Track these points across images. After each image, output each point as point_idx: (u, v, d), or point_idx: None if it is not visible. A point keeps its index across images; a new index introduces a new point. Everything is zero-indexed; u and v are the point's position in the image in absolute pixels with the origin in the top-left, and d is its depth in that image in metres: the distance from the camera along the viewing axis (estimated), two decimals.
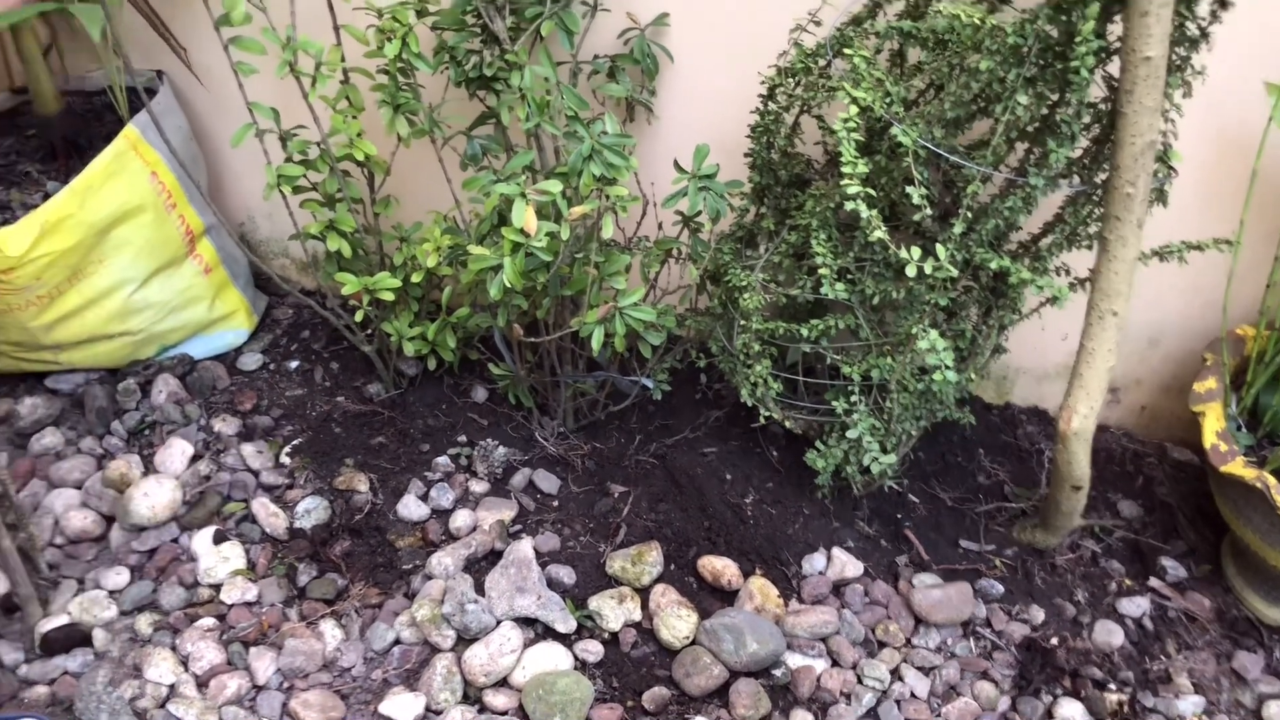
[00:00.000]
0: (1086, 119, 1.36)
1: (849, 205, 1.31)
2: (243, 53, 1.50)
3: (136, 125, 1.86)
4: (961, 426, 1.86)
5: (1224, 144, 1.62)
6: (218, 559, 1.69)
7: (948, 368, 1.39)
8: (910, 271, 1.29)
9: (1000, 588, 1.70)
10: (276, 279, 1.83)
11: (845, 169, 1.30)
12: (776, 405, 1.71)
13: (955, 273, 1.32)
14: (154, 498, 1.74)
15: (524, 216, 1.44)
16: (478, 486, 1.84)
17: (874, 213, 1.31)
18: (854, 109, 1.33)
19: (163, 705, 1.49)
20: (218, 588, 1.66)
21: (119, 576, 1.67)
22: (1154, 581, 1.74)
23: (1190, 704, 1.56)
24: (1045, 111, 1.37)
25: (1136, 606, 1.69)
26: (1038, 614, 1.67)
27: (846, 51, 1.37)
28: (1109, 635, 1.64)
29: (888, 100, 1.37)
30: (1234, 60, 1.48)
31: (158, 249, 1.95)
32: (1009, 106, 1.31)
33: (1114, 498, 1.88)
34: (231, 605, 1.64)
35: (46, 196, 1.77)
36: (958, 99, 1.35)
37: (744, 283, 1.59)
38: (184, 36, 1.96)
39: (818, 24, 1.52)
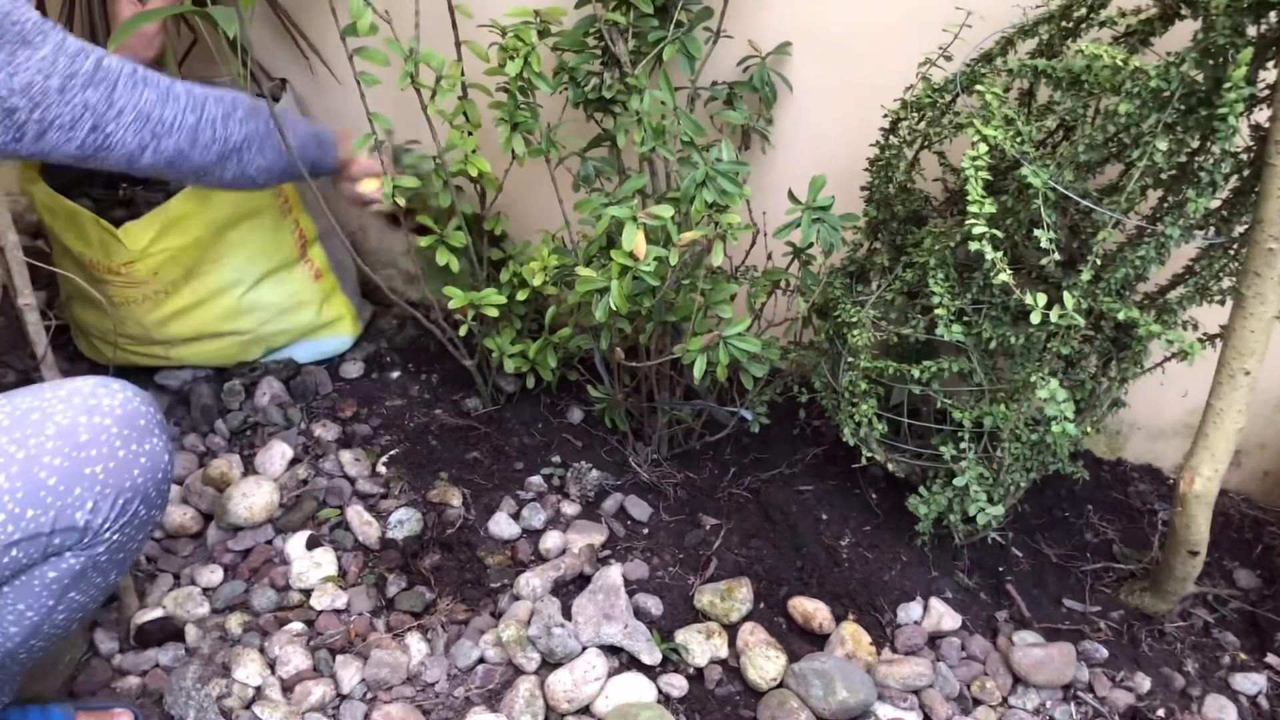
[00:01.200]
0: (1227, 168, 1.30)
1: (974, 246, 1.27)
2: (366, 63, 1.52)
3: None
4: (1071, 481, 1.80)
5: None
6: (310, 564, 1.70)
7: (1067, 419, 1.34)
8: (1035, 319, 1.24)
9: (1105, 652, 1.63)
10: (384, 288, 1.85)
11: (972, 208, 1.26)
12: (880, 446, 1.67)
13: (1082, 322, 1.27)
14: (252, 498, 1.76)
15: (634, 240, 1.43)
16: (569, 509, 1.83)
17: (999, 254, 1.27)
18: (983, 147, 1.29)
19: (248, 706, 1.50)
20: (308, 593, 1.67)
21: (213, 574, 1.70)
22: (1271, 658, 1.65)
23: None
24: (1184, 159, 1.32)
25: (1252, 683, 1.60)
26: (1143, 682, 1.59)
27: (978, 88, 1.34)
28: (1220, 711, 1.56)
29: (1018, 139, 1.33)
30: None
31: (271, 252, 1.98)
32: (1146, 152, 1.26)
33: (1230, 565, 1.79)
34: (320, 611, 1.64)
35: (169, 195, 1.81)
36: (1091, 141, 1.31)
37: (854, 318, 1.56)
38: (319, 42, 2.00)
39: (948, 59, 1.48)
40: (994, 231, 1.27)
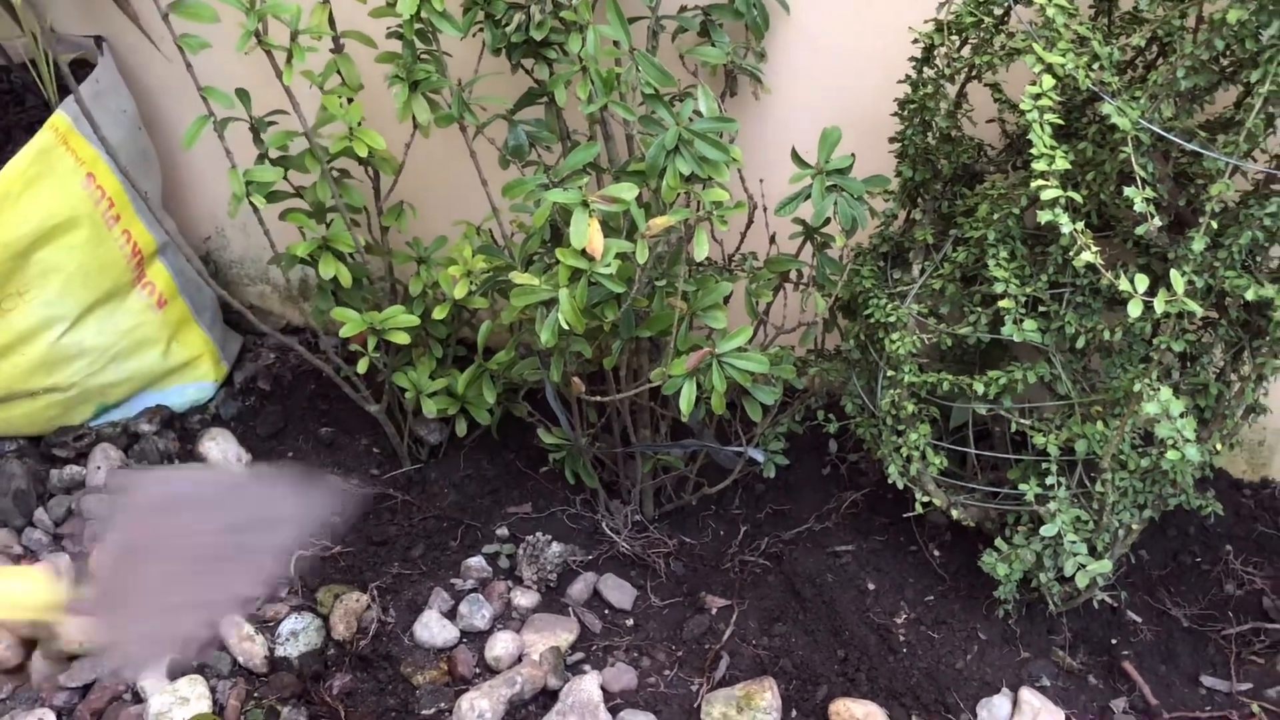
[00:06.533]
0: None
1: (1043, 215, 1.27)
2: (190, 21, 1.51)
3: (67, 113, 1.89)
4: (1201, 515, 1.80)
5: None
6: (173, 699, 1.68)
7: (1187, 439, 1.34)
8: (1134, 310, 1.24)
9: None
10: (248, 315, 1.83)
11: (1038, 164, 1.26)
12: (939, 487, 1.67)
13: (1196, 307, 1.27)
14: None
15: (586, 234, 1.42)
16: (524, 598, 1.82)
17: (1079, 225, 1.26)
18: (1047, 79, 1.29)
19: None
20: None
21: None
22: None
23: None
24: None
25: None
26: None
27: None
28: None
29: (1094, 65, 1.33)
30: None
31: (95, 276, 1.97)
32: (1269, 73, 1.26)
33: None
34: None
35: None
36: (1195, 62, 1.31)
37: (891, 317, 1.55)
38: None
39: None
40: (1070, 194, 1.27)
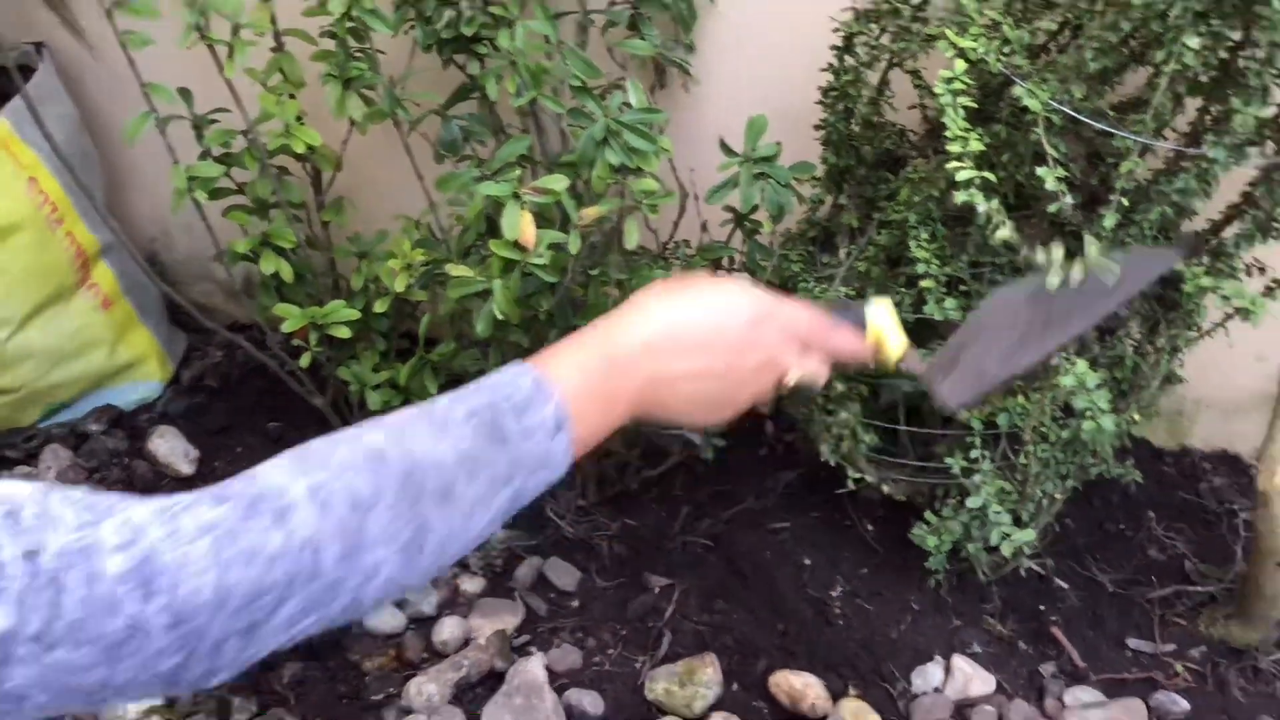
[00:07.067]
0: None
1: (959, 196, 1.27)
2: (133, 18, 1.50)
3: (7, 117, 1.86)
4: (1124, 484, 1.81)
5: None
6: None
7: (1101, 411, 1.35)
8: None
9: (1184, 703, 1.64)
10: (194, 312, 1.82)
11: (952, 146, 1.27)
12: (870, 464, 1.67)
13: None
14: None
15: (519, 225, 1.42)
16: (470, 584, 1.82)
17: (995, 204, 1.27)
18: (960, 64, 1.29)
19: None
20: None
21: None
22: None
23: None
24: (1224, 56, 1.33)
25: None
26: None
27: None
28: None
29: (1006, 50, 1.33)
30: None
31: (39, 279, 1.94)
32: (1174, 52, 1.27)
33: None
34: None
35: None
36: (1103, 44, 1.32)
37: (820, 298, 1.55)
38: None
39: None
40: (985, 175, 1.28)
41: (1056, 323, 1.16)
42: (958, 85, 1.29)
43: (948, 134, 1.28)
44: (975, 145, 1.28)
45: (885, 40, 1.54)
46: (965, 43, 1.30)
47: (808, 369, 1.06)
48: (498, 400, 0.89)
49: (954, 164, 1.28)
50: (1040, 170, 1.28)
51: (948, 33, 1.31)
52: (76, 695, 0.67)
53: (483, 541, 0.89)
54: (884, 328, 1.11)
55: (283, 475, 0.78)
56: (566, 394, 0.91)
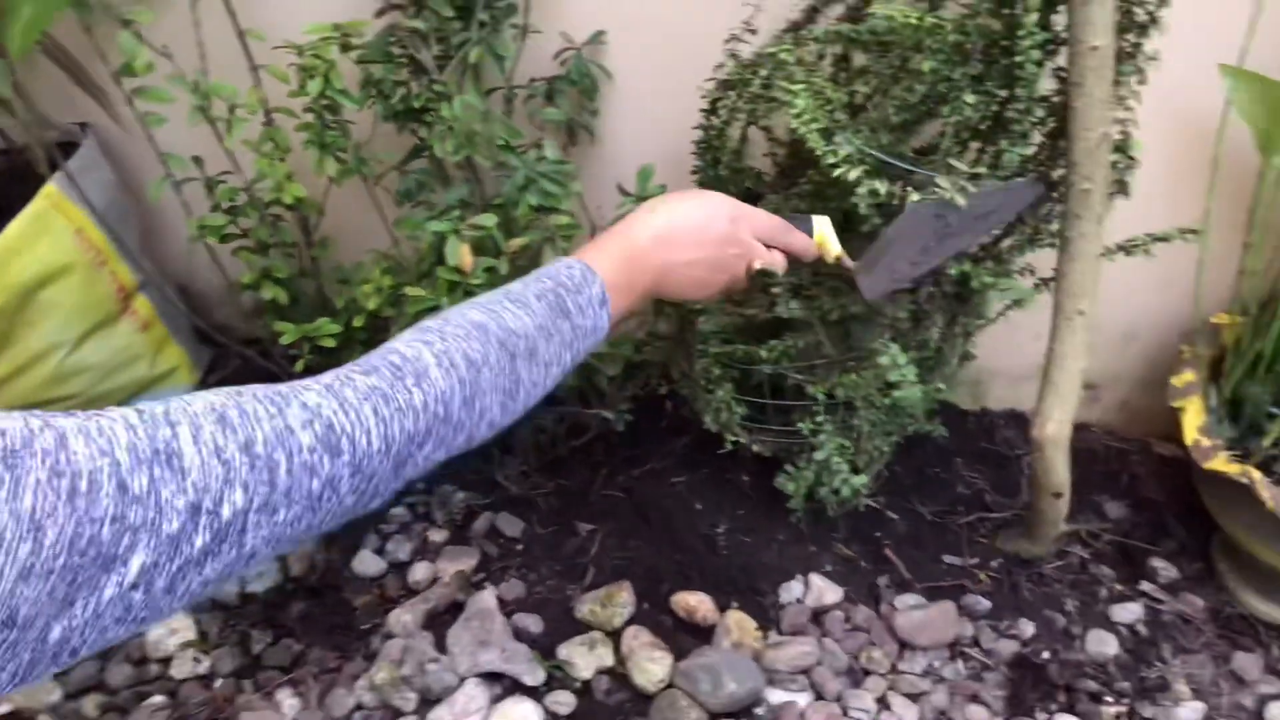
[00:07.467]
0: (1040, 114, 1.32)
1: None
2: (150, 103, 1.46)
3: (56, 184, 1.80)
4: (935, 438, 1.82)
5: (1184, 131, 1.59)
6: (165, 631, 1.62)
7: (911, 383, 1.35)
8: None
9: (986, 603, 1.65)
10: (210, 330, 1.77)
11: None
12: (743, 429, 1.67)
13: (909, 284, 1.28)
14: None
15: (458, 254, 1.39)
16: (437, 535, 1.79)
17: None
18: (800, 102, 1.27)
19: None
20: (167, 661, 1.60)
21: None
22: (1145, 585, 1.70)
23: (1190, 710, 1.51)
24: (996, 109, 1.33)
25: (1129, 612, 1.65)
26: (1027, 628, 1.62)
27: (781, 56, 1.33)
28: (1102, 645, 1.60)
29: (828, 108, 1.33)
30: (1188, 44, 1.44)
31: (89, 309, 1.89)
32: (956, 107, 1.27)
33: (1100, 499, 1.84)
34: (182, 680, 1.57)
35: None
36: (903, 102, 1.32)
37: (699, 305, 1.55)
38: (109, 84, 1.90)
39: (753, 32, 1.48)
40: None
41: (952, 236, 1.25)
42: (805, 117, 1.27)
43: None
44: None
45: (741, 104, 1.53)
46: (800, 101, 1.29)
47: (771, 260, 1.19)
48: (558, 284, 0.96)
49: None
50: (853, 198, 1.27)
51: (784, 84, 1.30)
52: (288, 542, 0.72)
53: (549, 392, 0.96)
54: (827, 235, 1.23)
55: (413, 348, 0.83)
56: (604, 279, 1.00)
